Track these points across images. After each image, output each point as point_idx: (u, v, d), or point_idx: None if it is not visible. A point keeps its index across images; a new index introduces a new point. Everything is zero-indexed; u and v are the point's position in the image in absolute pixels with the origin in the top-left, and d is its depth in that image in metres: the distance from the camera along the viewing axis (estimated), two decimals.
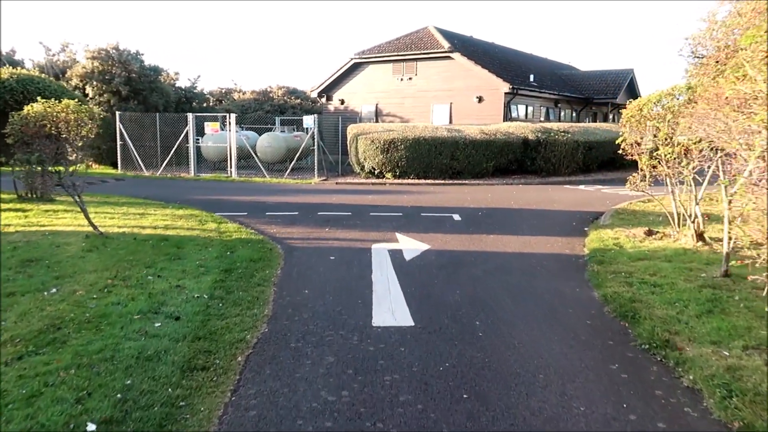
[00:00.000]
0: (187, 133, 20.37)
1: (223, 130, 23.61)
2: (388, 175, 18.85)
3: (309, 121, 19.45)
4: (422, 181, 18.44)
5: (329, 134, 28.91)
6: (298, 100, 39.73)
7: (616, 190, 16.40)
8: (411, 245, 8.87)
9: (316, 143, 19.46)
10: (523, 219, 11.42)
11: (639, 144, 9.54)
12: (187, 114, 20.44)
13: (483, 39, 32.29)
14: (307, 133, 20.75)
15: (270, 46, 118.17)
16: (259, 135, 22.59)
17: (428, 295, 6.30)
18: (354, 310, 5.75)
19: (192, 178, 19.92)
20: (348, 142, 20.07)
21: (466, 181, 18.36)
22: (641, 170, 9.66)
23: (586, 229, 10.44)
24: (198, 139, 20.92)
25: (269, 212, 12.03)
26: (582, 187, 17.63)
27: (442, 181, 18.31)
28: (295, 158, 20.15)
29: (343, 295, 6.25)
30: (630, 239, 9.02)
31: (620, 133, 10.04)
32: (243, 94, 39.31)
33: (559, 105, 30.32)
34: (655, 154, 9.18)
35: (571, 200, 14.28)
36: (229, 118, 19.97)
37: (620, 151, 10.02)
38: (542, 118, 28.61)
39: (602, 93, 32.08)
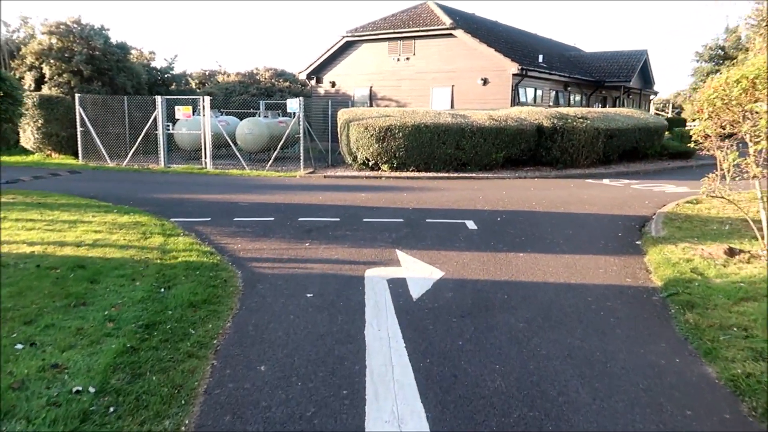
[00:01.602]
0: (155, 118, 17.91)
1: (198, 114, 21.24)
2: (385, 167, 16.51)
3: (293, 104, 17.03)
4: (423, 174, 16.12)
5: (318, 120, 26.48)
6: (287, 83, 37.21)
7: (648, 186, 14.14)
8: (418, 271, 6.58)
9: (302, 130, 17.07)
10: (555, 227, 9.14)
11: (724, 134, 7.25)
12: (156, 96, 17.96)
13: (486, 17, 29.79)
14: (292, 119, 18.34)
15: (258, 26, 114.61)
16: (241, 120, 20.17)
17: (453, 374, 4.02)
18: (334, 415, 3.48)
19: (160, 170, 17.50)
20: (338, 129, 17.69)
21: (474, 174, 16.05)
22: (721, 169, 7.41)
23: (638, 242, 8.18)
24: (168, 126, 18.47)
25: (239, 217, 9.70)
26: (606, 181, 15.35)
27: (446, 174, 15.99)
28: (278, 147, 17.75)
29: (318, 379, 3.96)
30: (708, 262, 6.76)
31: (690, 123, 7.74)
32: (227, 76, 36.73)
33: (569, 88, 27.96)
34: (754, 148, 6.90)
35: (602, 200, 12.01)
36: (203, 101, 17.52)
37: (691, 144, 7.74)
38: (551, 103, 26.26)
39: (614, 76, 29.73)
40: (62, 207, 10.15)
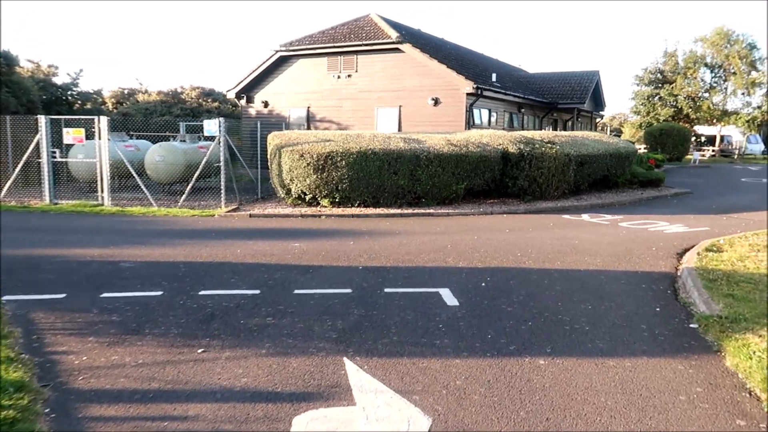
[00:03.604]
0: (38, 143, 14.38)
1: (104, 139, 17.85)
2: (325, 201, 13.64)
3: (211, 126, 13.94)
4: (371, 210, 13.35)
5: (249, 145, 23.41)
6: (216, 103, 33.92)
7: (638, 224, 11.90)
8: (385, 418, 3.75)
9: (222, 158, 13.99)
10: (565, 299, 6.52)
11: None
12: (39, 117, 14.45)
13: (432, 34, 27.67)
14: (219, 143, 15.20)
15: (185, 41, 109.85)
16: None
17: None
18: None
19: (42, 207, 13.93)
20: (268, 156, 14.73)
21: (432, 210, 13.43)
22: None
23: (693, 326, 5.67)
24: (55, 153, 14.93)
25: (111, 292, 6.58)
26: (586, 217, 13.05)
27: (399, 211, 13.29)
28: (194, 177, 14.56)
29: None
30: None
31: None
32: (148, 95, 33.03)
33: (523, 110, 26.09)
34: None
35: (598, 246, 9.58)
36: (98, 122, 14.16)
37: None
38: (505, 126, 24.24)
39: (567, 97, 28.20)
40: None
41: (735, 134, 49.94)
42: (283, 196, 14.36)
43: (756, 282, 7.06)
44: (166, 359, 4.72)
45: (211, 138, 14.99)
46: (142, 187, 14.38)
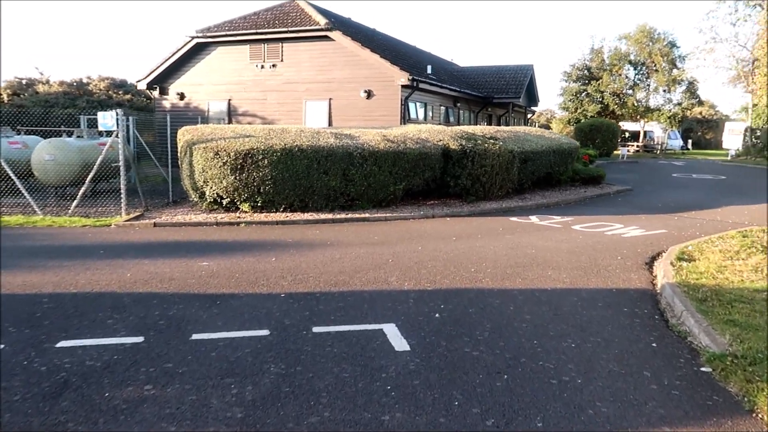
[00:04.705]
0: None
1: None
2: (245, 206, 11.88)
3: (107, 119, 11.82)
4: (299, 216, 11.73)
5: (162, 141, 21.08)
6: (128, 95, 31.09)
7: (592, 227, 10.91)
8: None
9: (121, 156, 11.91)
10: (539, 333, 5.21)
11: None
12: None
13: (363, 23, 26.18)
14: (126, 140, 13.03)
15: (93, 26, 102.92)
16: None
17: None
18: None
19: None
20: (179, 154, 12.78)
21: (367, 215, 11.95)
22: None
23: (707, 370, 4.49)
24: None
25: None
26: (535, 219, 11.98)
27: (331, 216, 11.74)
28: (89, 179, 12.37)
29: None
30: None
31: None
32: (50, 86, 29.72)
33: (459, 105, 25.09)
34: None
35: (558, 255, 8.41)
36: None
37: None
38: (441, 121, 23.14)
39: (503, 92, 27.48)
40: None
41: (657, 130, 51.54)
42: (196, 200, 12.45)
43: (750, 301, 6.02)
44: None
45: (111, 133, 12.84)
46: (23, 190, 12.06)
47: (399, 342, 4.94)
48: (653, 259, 8.38)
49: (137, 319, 5.44)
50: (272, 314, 5.62)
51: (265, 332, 5.14)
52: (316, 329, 5.23)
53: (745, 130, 44.10)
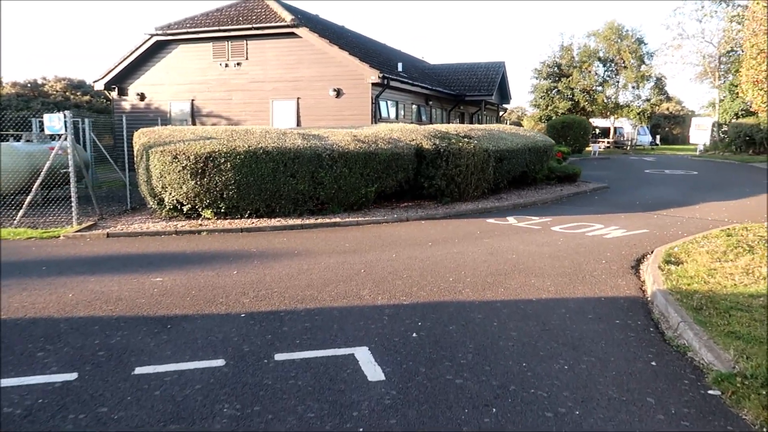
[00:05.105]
0: None
1: None
2: (207, 213, 11.17)
3: (53, 122, 10.97)
4: (265, 222, 11.07)
5: (122, 144, 20.12)
6: (87, 97, 29.88)
7: (573, 228, 10.50)
8: None
9: (71, 161, 11.08)
10: (529, 353, 4.70)
11: None
12: None
13: (331, 20, 25.53)
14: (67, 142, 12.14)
15: (48, 24, 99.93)
16: None
17: None
18: None
19: None
20: (135, 158, 11.99)
21: (338, 219, 11.35)
22: None
23: (715, 393, 4.03)
24: None
25: None
26: (513, 221, 11.53)
27: (300, 221, 11.11)
28: (35, 186, 11.48)
29: None
30: None
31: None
32: (1, 87, 28.35)
33: (431, 103, 24.64)
34: None
35: (540, 260, 7.95)
36: None
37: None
38: (413, 120, 22.64)
39: (475, 89, 27.13)
40: None
41: (626, 126, 51.97)
42: (154, 207, 11.68)
43: (748, 308, 5.61)
44: None
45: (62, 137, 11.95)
46: None
47: (372, 370, 4.37)
48: (639, 261, 7.98)
49: (73, 350, 4.76)
50: (230, 339, 5.00)
51: (220, 362, 4.51)
52: (278, 356, 4.62)
53: (713, 125, 44.69)
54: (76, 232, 10.26)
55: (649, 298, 6.30)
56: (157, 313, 5.70)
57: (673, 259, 7.68)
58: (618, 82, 47.24)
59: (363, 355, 4.65)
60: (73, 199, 11.05)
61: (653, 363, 4.56)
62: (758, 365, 4.28)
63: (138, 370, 4.37)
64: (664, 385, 4.17)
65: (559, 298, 6.26)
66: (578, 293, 6.43)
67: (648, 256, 8.25)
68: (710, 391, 4.07)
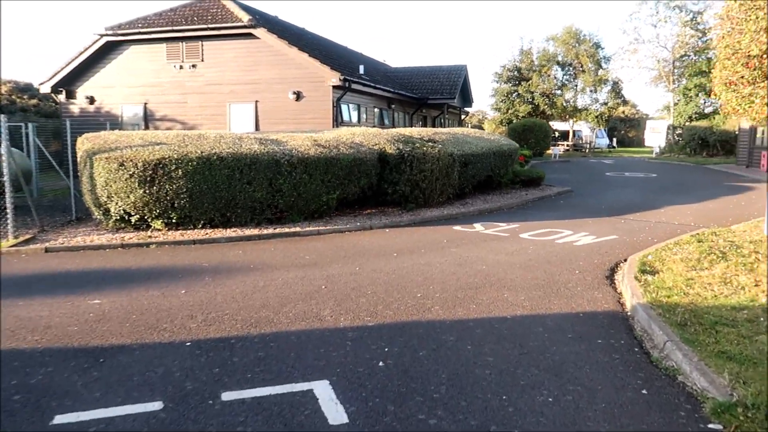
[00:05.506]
0: None
1: None
2: (157, 223, 10.43)
3: None
4: (220, 233, 10.39)
5: (67, 151, 19.03)
6: (35, 100, 28.43)
7: (542, 235, 10.18)
8: None
9: (6, 169, 10.19)
10: (508, 383, 4.25)
11: None
12: None
13: (291, 22, 24.87)
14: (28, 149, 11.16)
15: None
16: None
17: None
18: None
19: None
20: (78, 166, 11.15)
21: (298, 229, 10.76)
22: None
23: (716, 428, 3.63)
24: None
25: None
26: (480, 228, 11.15)
27: (257, 231, 10.47)
28: None
29: None
30: None
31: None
32: None
33: (393, 106, 24.23)
34: None
35: (510, 271, 7.55)
36: None
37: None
38: (375, 124, 22.18)
39: (437, 93, 26.88)
40: None
41: (585, 129, 52.77)
42: (100, 218, 10.86)
43: (733, 323, 5.31)
44: None
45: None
46: None
47: (334, 409, 3.84)
48: (613, 271, 7.68)
49: None
50: (171, 375, 4.38)
51: (157, 405, 3.90)
52: (226, 396, 4.04)
53: (668, 128, 45.69)
54: (11, 246, 9.39)
55: (629, 313, 5.95)
56: (90, 344, 5.04)
57: (648, 269, 7.38)
58: (576, 85, 47.91)
59: (323, 390, 4.12)
60: (8, 210, 10.15)
61: (644, 391, 4.16)
62: (758, 392, 3.93)
63: (58, 419, 3.72)
64: (659, 418, 3.77)
65: (535, 314, 5.85)
66: (554, 308, 6.03)
67: (621, 264, 7.96)
68: (710, 425, 3.68)
